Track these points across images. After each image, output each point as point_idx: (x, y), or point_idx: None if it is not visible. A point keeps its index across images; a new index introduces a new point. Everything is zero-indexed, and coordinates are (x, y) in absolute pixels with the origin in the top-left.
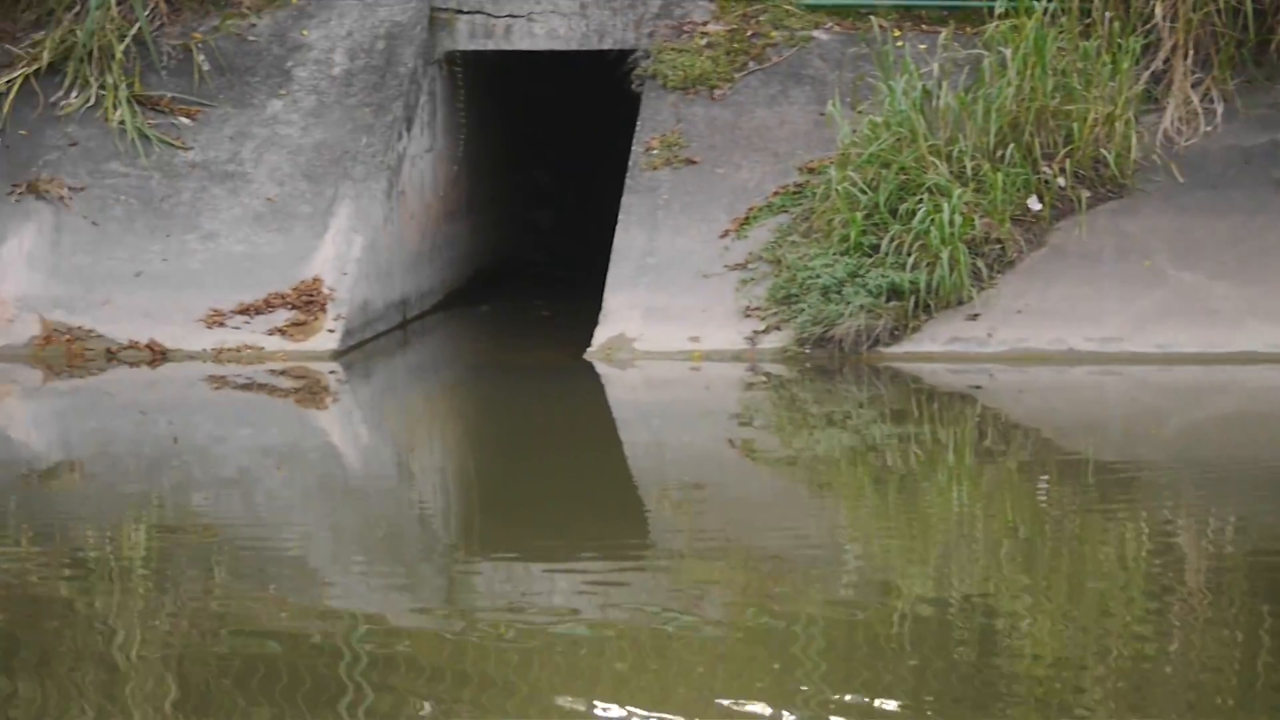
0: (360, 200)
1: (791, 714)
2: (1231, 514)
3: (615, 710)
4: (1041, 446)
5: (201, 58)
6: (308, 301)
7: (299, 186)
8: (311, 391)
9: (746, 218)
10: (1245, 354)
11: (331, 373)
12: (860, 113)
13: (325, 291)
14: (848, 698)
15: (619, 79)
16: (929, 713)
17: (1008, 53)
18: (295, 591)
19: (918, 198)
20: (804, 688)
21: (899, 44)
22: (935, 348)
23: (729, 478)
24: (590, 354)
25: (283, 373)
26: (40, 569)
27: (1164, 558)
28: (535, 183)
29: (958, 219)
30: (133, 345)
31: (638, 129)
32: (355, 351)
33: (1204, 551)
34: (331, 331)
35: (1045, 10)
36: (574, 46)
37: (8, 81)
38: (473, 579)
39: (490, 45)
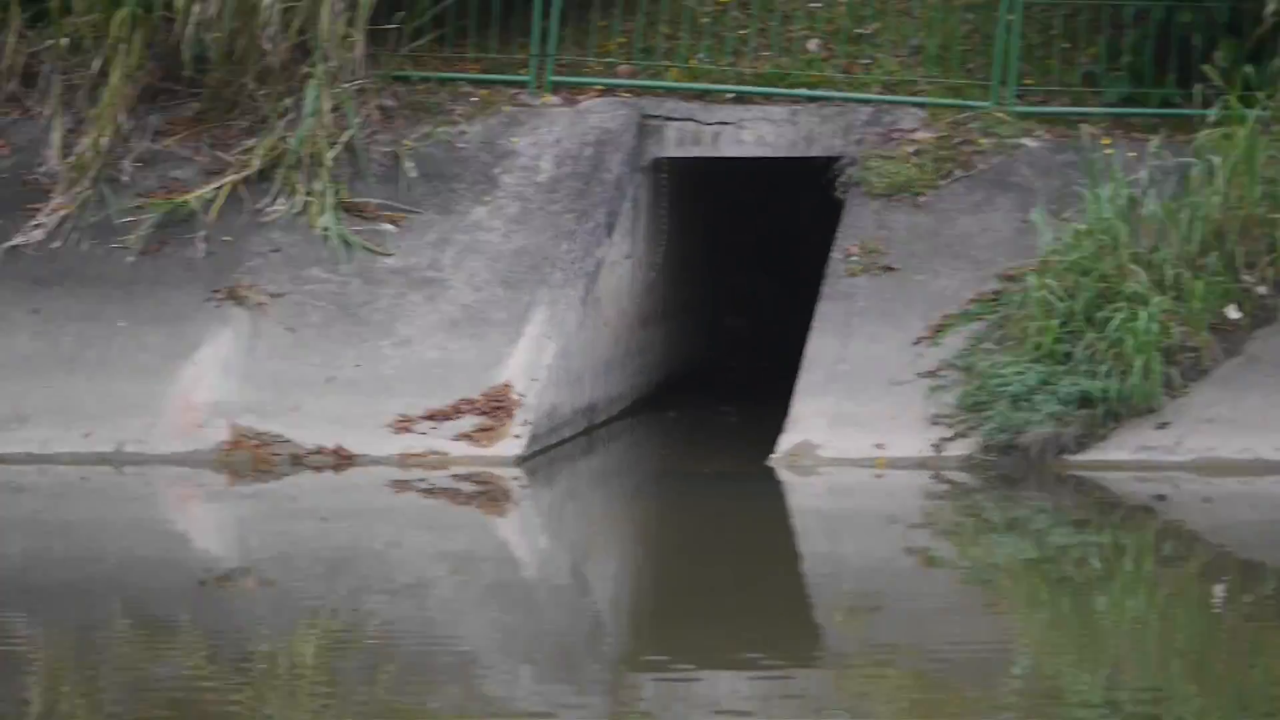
0: (556, 306)
1: None
2: None
3: None
4: (1219, 558)
5: (410, 164)
6: (496, 407)
7: (496, 293)
8: (493, 497)
9: (941, 325)
10: None
11: (515, 478)
12: (1064, 220)
13: (514, 397)
14: None
15: (824, 185)
16: None
17: (1217, 160)
18: (466, 699)
19: (1115, 306)
20: None
21: (1108, 151)
22: (1122, 456)
23: (902, 587)
24: (773, 460)
25: (466, 478)
26: (211, 676)
27: None
28: (733, 289)
29: (1154, 326)
30: (319, 450)
31: (838, 235)
32: (540, 457)
33: None
34: (518, 437)
35: (1258, 119)
36: (781, 153)
37: (216, 188)
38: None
39: (698, 152)
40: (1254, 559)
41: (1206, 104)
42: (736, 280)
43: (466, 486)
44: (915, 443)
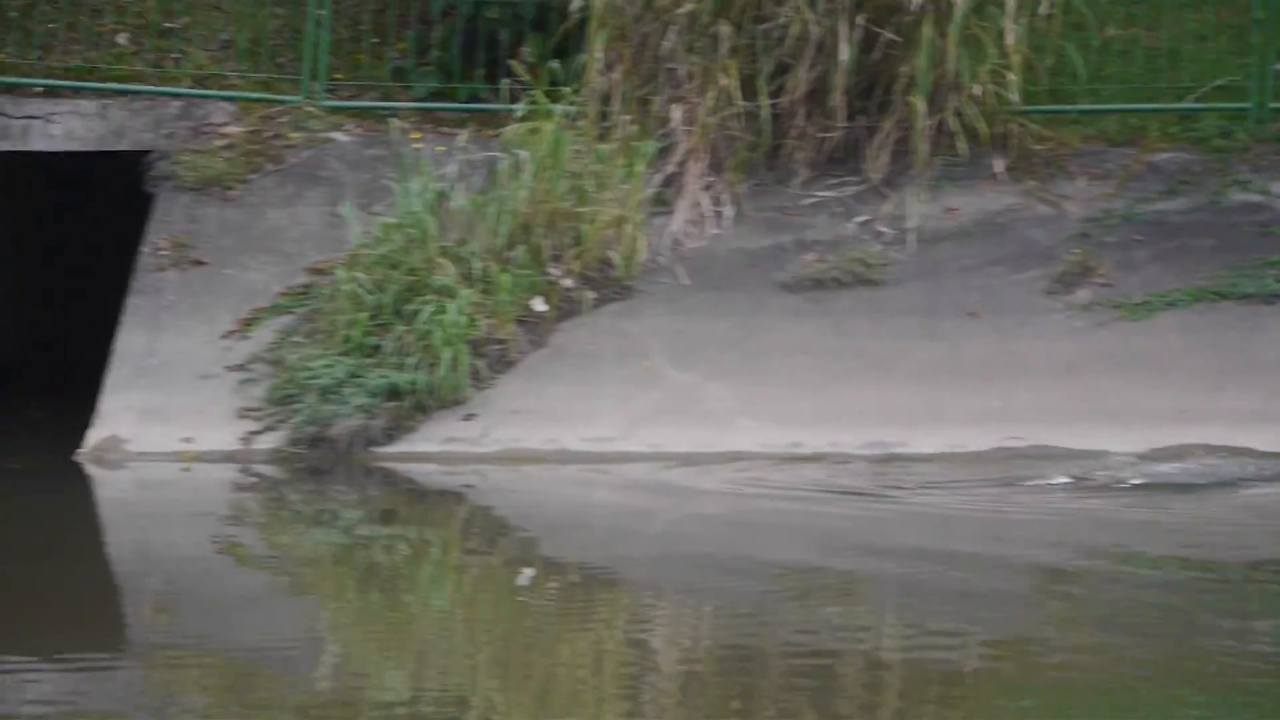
0: None
1: None
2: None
3: None
4: (524, 547)
5: None
6: None
7: None
8: None
9: (251, 318)
10: (734, 453)
11: None
12: (374, 214)
13: None
14: None
15: (135, 180)
16: None
17: (524, 155)
18: None
19: (424, 298)
20: None
21: (418, 146)
22: (431, 448)
23: (206, 580)
24: (81, 455)
25: None
26: None
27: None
28: (43, 284)
29: (462, 319)
30: None
31: (148, 230)
32: None
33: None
34: None
35: (565, 113)
36: (91, 148)
37: None
38: None
39: (7, 146)
40: (559, 548)
41: (514, 99)
42: (47, 275)
43: None
44: (224, 436)
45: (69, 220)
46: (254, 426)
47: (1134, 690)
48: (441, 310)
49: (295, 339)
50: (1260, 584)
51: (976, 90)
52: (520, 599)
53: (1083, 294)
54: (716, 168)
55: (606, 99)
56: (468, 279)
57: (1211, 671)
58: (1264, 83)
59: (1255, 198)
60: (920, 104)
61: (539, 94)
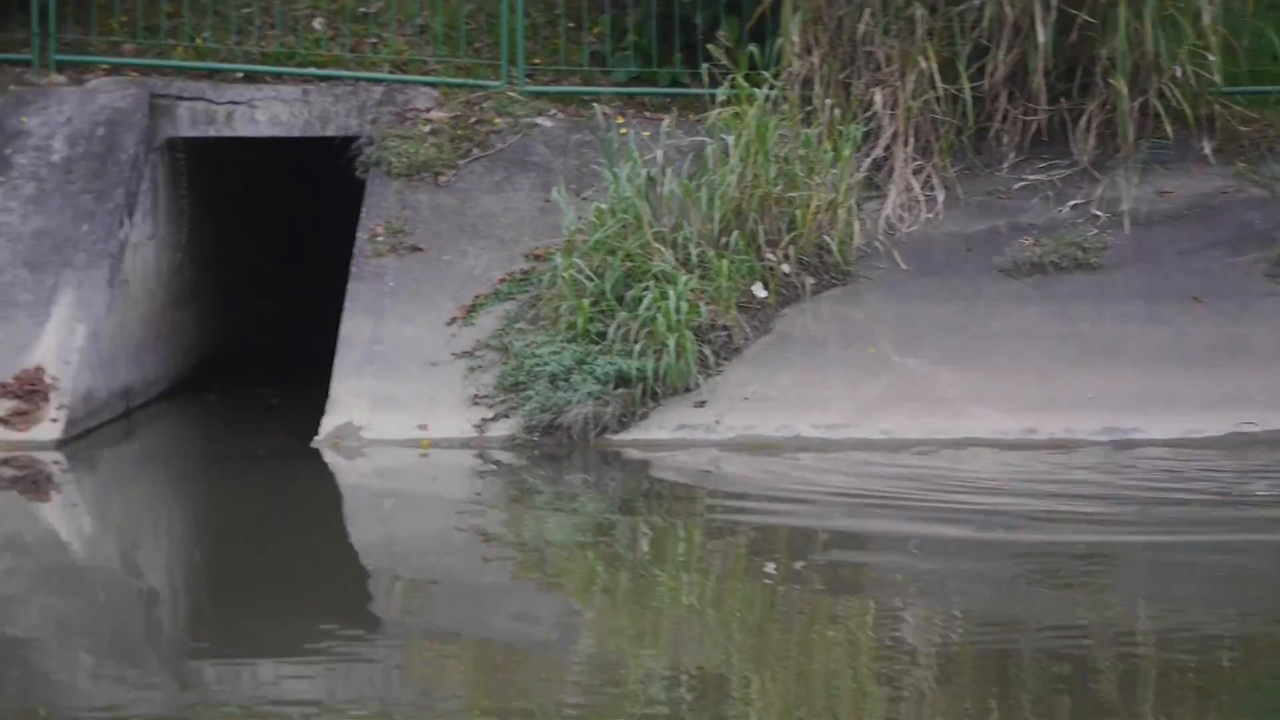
0: (82, 288)
1: None
2: None
3: None
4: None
5: None
6: (30, 390)
7: (19, 274)
8: (34, 482)
9: (473, 305)
10: (968, 439)
11: (55, 463)
12: (585, 200)
13: (48, 380)
14: None
15: (343, 165)
16: None
17: (730, 140)
18: (24, 690)
19: (644, 285)
20: None
21: (622, 131)
22: (664, 435)
23: (462, 565)
24: (318, 442)
25: (4, 463)
26: None
27: None
28: (259, 270)
29: (684, 306)
30: None
31: (362, 216)
32: (79, 441)
33: None
34: (55, 421)
35: (767, 98)
36: (296, 133)
37: None
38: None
39: (212, 132)
40: (816, 534)
41: (715, 83)
42: (262, 261)
43: (6, 471)
44: (457, 423)
45: (274, 205)
46: (486, 413)
47: None
48: (663, 296)
49: (519, 325)
50: None
51: (1177, 71)
52: (797, 587)
53: None
54: (923, 151)
55: (807, 82)
56: (685, 265)
57: None
58: None
59: None
60: (1123, 86)
61: (738, 78)
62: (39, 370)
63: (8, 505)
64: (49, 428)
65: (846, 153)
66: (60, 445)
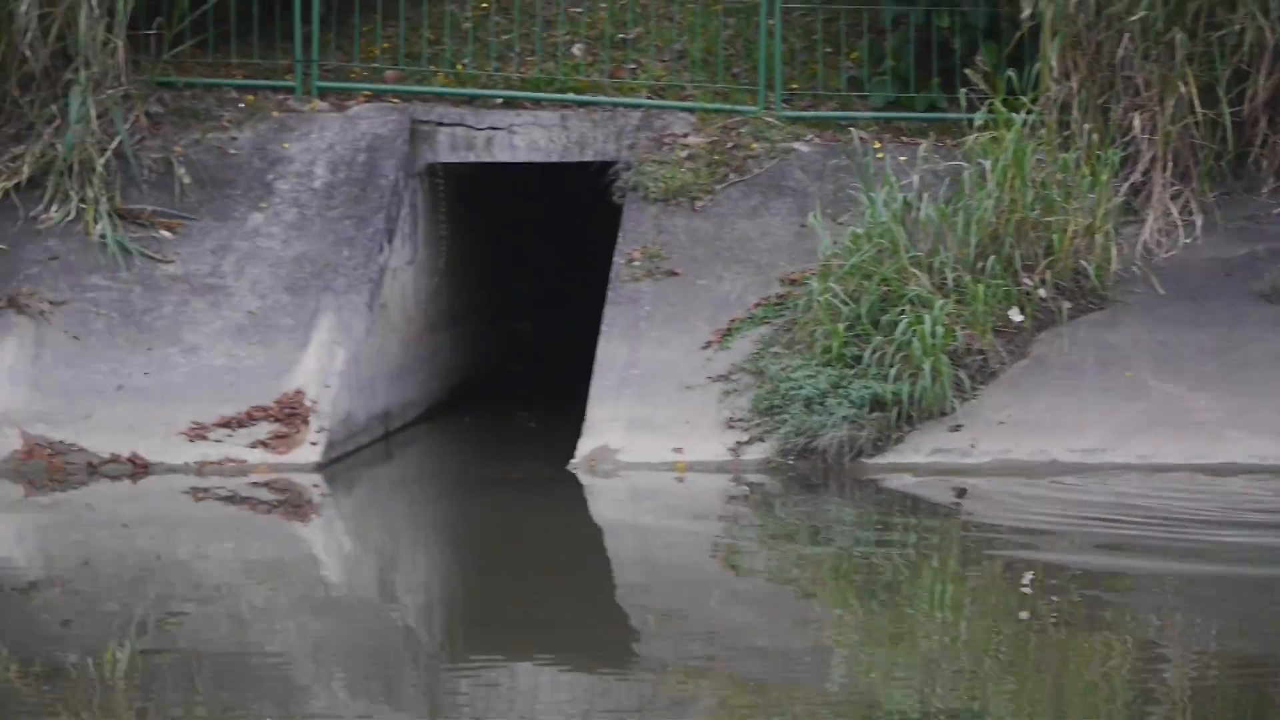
0: (342, 313)
1: None
2: None
3: None
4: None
5: (182, 171)
6: (290, 414)
7: (281, 299)
8: (295, 504)
9: (729, 329)
10: (1227, 465)
11: (315, 485)
12: (841, 224)
13: (308, 404)
14: None
15: (600, 190)
16: None
17: (987, 164)
18: (277, 706)
19: (899, 309)
20: None
21: (879, 156)
22: (919, 459)
23: (715, 592)
24: (574, 466)
25: (265, 485)
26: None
27: None
28: (516, 293)
29: (939, 330)
30: (114, 459)
31: (619, 240)
32: (338, 464)
33: None
34: (314, 444)
35: (1024, 122)
36: (554, 158)
37: None
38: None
39: (471, 157)
40: (1062, 559)
41: (972, 108)
42: (519, 285)
43: (266, 494)
44: (713, 446)
45: (533, 230)
46: (741, 437)
47: None
48: (918, 320)
49: (775, 349)
50: None
51: None
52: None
53: None
54: (1182, 176)
55: (1065, 107)
56: (941, 289)
57: None
58: None
59: None
60: None
61: (996, 103)
62: (299, 394)
63: (268, 527)
64: (308, 450)
65: (1104, 177)
66: (319, 468)
